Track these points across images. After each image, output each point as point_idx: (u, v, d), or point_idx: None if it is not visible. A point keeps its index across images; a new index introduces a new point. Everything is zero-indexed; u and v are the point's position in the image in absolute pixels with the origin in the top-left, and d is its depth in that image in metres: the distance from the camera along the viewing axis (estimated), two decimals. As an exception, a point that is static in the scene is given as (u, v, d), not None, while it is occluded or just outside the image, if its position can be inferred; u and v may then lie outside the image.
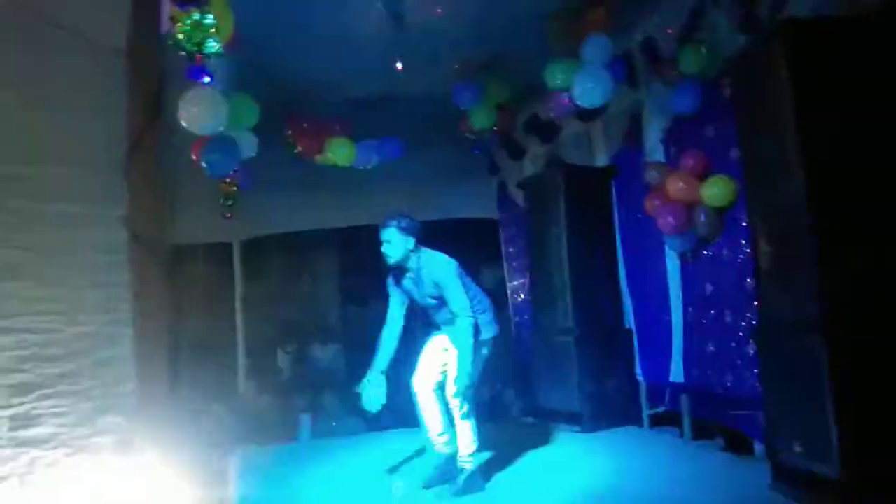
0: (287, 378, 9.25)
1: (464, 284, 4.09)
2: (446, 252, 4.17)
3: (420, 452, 4.72)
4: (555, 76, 5.11)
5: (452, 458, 4.19)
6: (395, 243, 4.05)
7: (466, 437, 4.12)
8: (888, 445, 3.00)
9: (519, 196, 7.18)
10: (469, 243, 7.38)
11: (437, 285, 4.06)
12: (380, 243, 4.10)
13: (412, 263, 4.11)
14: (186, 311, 8.73)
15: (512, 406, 7.04)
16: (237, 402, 7.45)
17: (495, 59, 5.60)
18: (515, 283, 7.73)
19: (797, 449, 3.32)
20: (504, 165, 7.75)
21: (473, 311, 4.03)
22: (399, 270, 4.20)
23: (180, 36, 3.25)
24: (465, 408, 4.07)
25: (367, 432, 6.73)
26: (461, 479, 4.09)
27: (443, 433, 4.22)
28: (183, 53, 3.38)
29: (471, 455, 4.13)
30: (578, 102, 5.09)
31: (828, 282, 3.12)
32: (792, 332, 3.37)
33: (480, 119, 5.86)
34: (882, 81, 3.21)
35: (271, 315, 10.23)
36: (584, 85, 4.92)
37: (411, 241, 4.07)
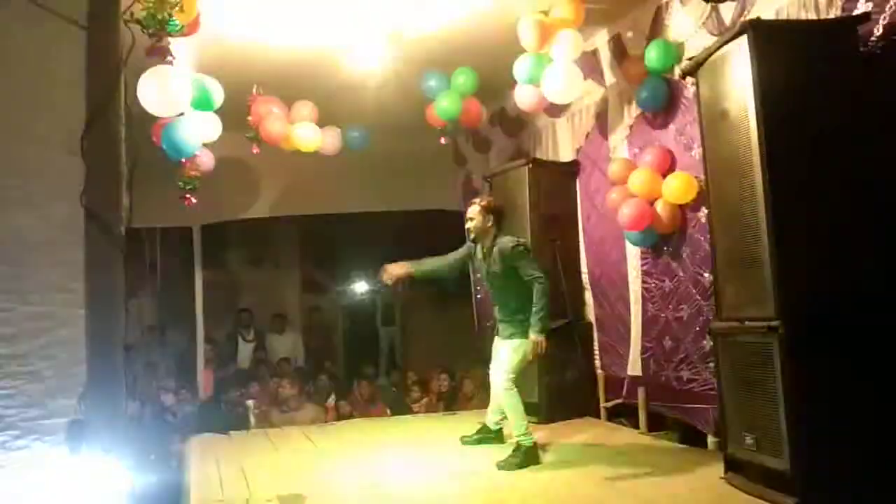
0: (246, 365, 9.13)
1: None
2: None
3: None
4: (524, 70, 5.11)
5: None
6: None
7: None
8: (837, 439, 3.08)
9: (485, 188, 7.17)
10: (433, 235, 7.38)
11: None
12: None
13: None
14: (144, 295, 8.58)
15: (474, 396, 7.05)
16: (195, 388, 7.34)
17: (464, 49, 5.58)
18: (479, 275, 7.73)
19: (749, 442, 3.40)
20: (470, 157, 7.74)
21: None
22: None
23: (143, 13, 3.16)
24: None
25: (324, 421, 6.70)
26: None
27: None
28: (145, 31, 3.29)
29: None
30: (546, 97, 5.11)
31: (784, 280, 3.18)
32: (747, 328, 3.44)
33: (447, 109, 5.84)
34: (840, 84, 3.28)
35: (231, 302, 10.11)
36: (552, 80, 4.94)
37: None
